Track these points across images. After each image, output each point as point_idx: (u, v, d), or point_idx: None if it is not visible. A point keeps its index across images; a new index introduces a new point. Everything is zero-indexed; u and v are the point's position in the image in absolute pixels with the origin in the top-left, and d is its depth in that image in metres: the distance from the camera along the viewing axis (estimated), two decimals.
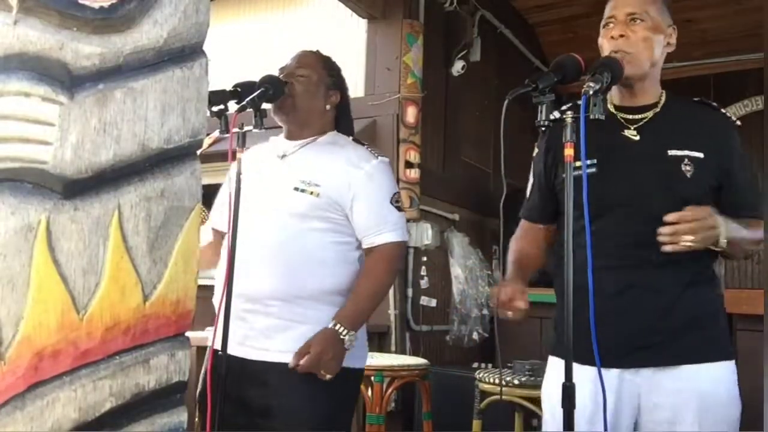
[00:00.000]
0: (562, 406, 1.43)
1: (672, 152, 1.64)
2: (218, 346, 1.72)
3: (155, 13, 1.12)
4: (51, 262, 1.02)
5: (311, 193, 1.88)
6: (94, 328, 1.04)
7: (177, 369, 1.14)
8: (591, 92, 1.49)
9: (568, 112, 1.51)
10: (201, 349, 2.33)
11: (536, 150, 1.89)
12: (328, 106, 2.05)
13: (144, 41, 1.11)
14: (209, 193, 2.12)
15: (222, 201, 2.09)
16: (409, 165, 3.94)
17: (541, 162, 1.85)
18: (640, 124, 1.70)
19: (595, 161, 1.67)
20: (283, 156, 2.00)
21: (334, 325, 1.81)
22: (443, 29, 4.48)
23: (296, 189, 1.89)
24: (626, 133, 1.70)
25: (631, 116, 1.71)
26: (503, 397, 2.92)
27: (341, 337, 1.79)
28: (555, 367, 1.73)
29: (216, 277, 1.95)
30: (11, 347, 1.00)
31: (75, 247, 1.04)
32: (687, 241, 1.50)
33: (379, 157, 2.00)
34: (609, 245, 1.63)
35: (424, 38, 4.09)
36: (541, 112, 1.52)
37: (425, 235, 4.02)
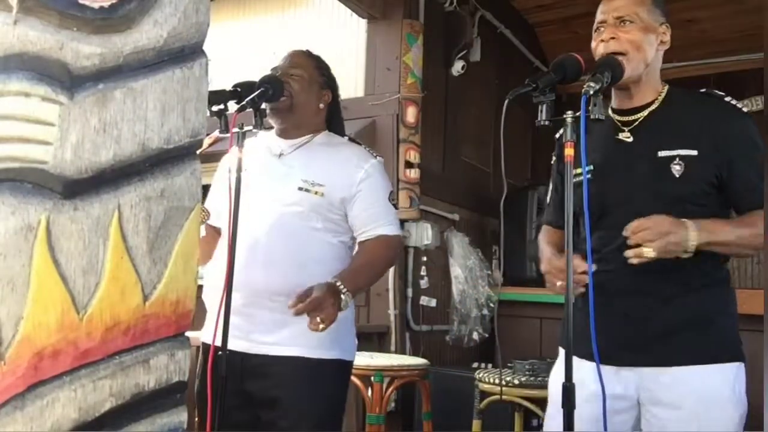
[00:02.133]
0: (562, 406, 1.44)
1: (662, 153, 1.64)
2: (218, 343, 1.72)
3: (155, 13, 1.12)
4: (51, 262, 1.02)
5: (315, 193, 1.92)
6: (94, 328, 1.04)
7: (177, 369, 1.14)
8: (591, 92, 1.50)
9: (568, 112, 1.51)
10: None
11: (553, 158, 1.92)
12: (321, 105, 2.08)
13: (144, 41, 1.11)
14: (209, 193, 2.13)
15: (214, 197, 2.10)
16: (409, 165, 3.93)
17: (555, 169, 1.90)
18: (634, 125, 1.70)
19: (591, 167, 1.69)
20: (280, 155, 2.01)
21: (335, 281, 1.81)
22: (443, 29, 4.47)
23: (300, 189, 1.92)
24: (621, 135, 1.70)
25: (626, 118, 1.72)
26: (503, 397, 2.92)
27: (341, 292, 1.79)
28: (562, 360, 1.75)
29: (206, 274, 1.96)
30: (11, 347, 1.00)
31: (75, 247, 1.04)
32: (647, 251, 1.50)
33: (377, 157, 2.06)
34: (607, 248, 1.66)
35: (424, 38, 4.08)
36: (541, 112, 1.52)
37: (425, 235, 4.02)
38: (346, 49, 4.21)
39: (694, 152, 1.62)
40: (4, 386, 1.00)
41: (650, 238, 1.51)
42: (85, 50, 1.06)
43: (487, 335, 4.30)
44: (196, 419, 1.99)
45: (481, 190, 4.87)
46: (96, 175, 1.06)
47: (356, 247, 2.03)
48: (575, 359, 1.67)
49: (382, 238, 1.96)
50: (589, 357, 1.50)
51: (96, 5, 1.07)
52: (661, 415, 1.59)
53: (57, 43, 1.05)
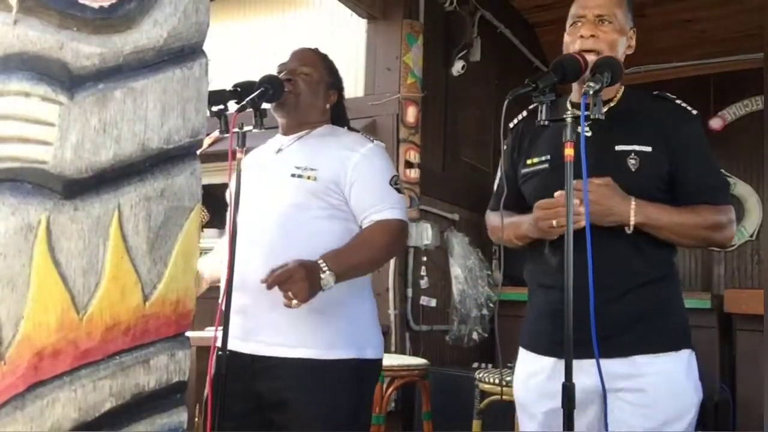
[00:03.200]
0: (562, 406, 1.44)
1: (619, 147, 1.67)
2: (220, 344, 1.71)
3: (155, 13, 1.12)
4: (51, 262, 1.02)
5: (308, 177, 1.86)
6: (94, 328, 1.04)
7: (177, 369, 1.14)
8: (591, 92, 1.50)
9: (568, 111, 1.52)
10: (201, 349, 2.33)
11: (504, 147, 1.93)
12: (327, 105, 2.06)
13: (144, 41, 1.11)
14: (209, 193, 2.13)
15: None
16: (409, 165, 3.94)
17: (509, 159, 1.90)
18: (593, 120, 1.72)
19: (548, 157, 1.75)
20: (279, 150, 2.00)
21: (318, 259, 1.75)
22: (443, 29, 4.47)
23: (293, 176, 1.88)
24: (579, 129, 1.71)
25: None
26: (503, 397, 2.92)
27: (320, 270, 1.72)
28: (523, 360, 1.81)
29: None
30: (11, 347, 1.00)
31: (75, 247, 1.04)
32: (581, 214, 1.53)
33: (375, 141, 2.00)
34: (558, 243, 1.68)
35: (424, 38, 4.09)
36: (541, 112, 1.53)
37: (425, 235, 4.02)
38: (346, 49, 4.21)
39: (648, 148, 1.66)
40: (4, 386, 1.00)
41: (595, 200, 1.56)
42: (85, 50, 1.06)
43: (487, 335, 4.30)
44: (196, 419, 1.98)
45: (481, 190, 4.87)
46: (96, 175, 1.06)
47: None
48: (530, 354, 1.78)
49: (382, 221, 1.87)
50: (545, 352, 1.65)
51: (96, 5, 1.07)
52: (625, 406, 1.61)
53: (57, 43, 1.05)
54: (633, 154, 1.66)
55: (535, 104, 1.54)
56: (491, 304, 4.30)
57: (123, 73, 1.09)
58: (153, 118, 1.11)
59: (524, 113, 1.87)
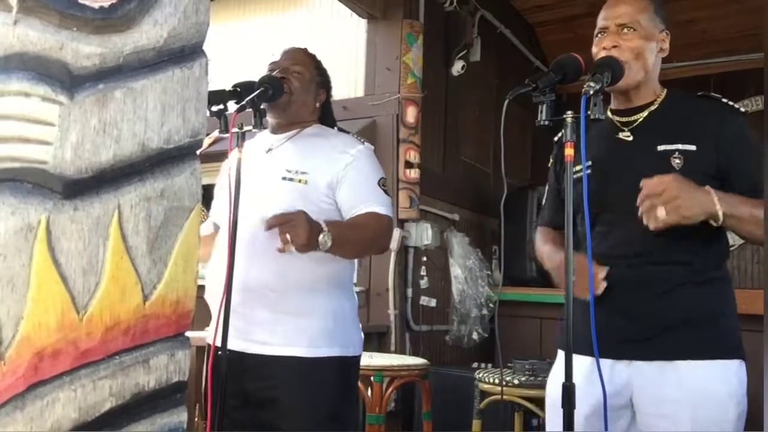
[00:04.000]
0: (562, 406, 1.44)
1: (662, 147, 1.65)
2: (219, 343, 1.72)
3: (155, 13, 1.12)
4: (51, 262, 1.02)
5: (299, 181, 1.89)
6: (94, 328, 1.04)
7: (177, 369, 1.14)
8: (591, 92, 1.50)
9: (568, 112, 1.52)
10: (201, 349, 2.33)
11: (551, 160, 1.94)
12: (317, 104, 2.08)
13: (144, 41, 1.11)
14: (209, 193, 2.13)
15: (217, 198, 2.09)
16: (409, 165, 3.93)
17: (553, 171, 1.91)
18: (634, 125, 1.72)
19: (590, 163, 1.71)
20: (269, 150, 2.01)
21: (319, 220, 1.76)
22: (443, 29, 4.47)
23: (284, 179, 1.89)
24: (620, 135, 1.72)
25: (626, 118, 1.74)
26: (503, 397, 2.92)
27: (320, 227, 1.72)
28: (560, 361, 1.76)
29: (207, 275, 1.95)
30: (11, 347, 1.00)
31: (75, 247, 1.04)
32: (660, 216, 1.48)
33: (365, 143, 2.02)
34: (606, 244, 1.67)
35: (424, 38, 4.08)
36: (541, 112, 1.53)
37: (425, 235, 4.02)
38: (346, 49, 4.21)
39: (693, 147, 1.64)
40: (4, 386, 1.00)
41: (664, 200, 1.49)
42: (85, 50, 1.06)
43: (486, 335, 4.30)
44: (196, 419, 1.99)
45: (481, 190, 4.88)
46: (96, 175, 1.06)
47: None
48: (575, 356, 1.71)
49: (372, 213, 1.89)
50: (585, 352, 1.54)
51: (96, 5, 1.07)
52: (657, 411, 1.59)
53: (57, 43, 1.05)
54: (677, 153, 1.64)
55: (576, 116, 1.50)
56: (491, 304, 4.30)
57: (123, 73, 1.09)
58: (153, 118, 1.11)
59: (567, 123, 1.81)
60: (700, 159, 1.63)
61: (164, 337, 1.13)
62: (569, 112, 1.52)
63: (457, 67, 4.44)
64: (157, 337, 1.12)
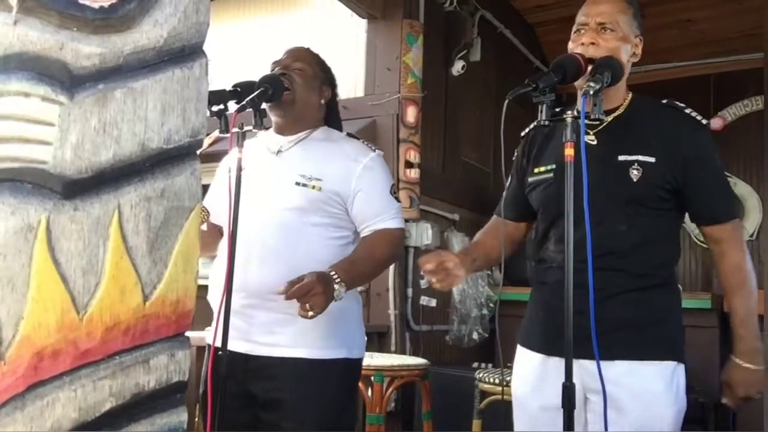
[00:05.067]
0: (562, 406, 1.44)
1: (622, 157, 1.67)
2: (219, 344, 1.72)
3: (155, 13, 1.12)
4: (51, 262, 1.02)
5: (313, 187, 1.90)
6: (94, 328, 1.04)
7: (177, 369, 1.14)
8: (591, 92, 1.50)
9: (568, 112, 1.52)
10: (201, 349, 2.33)
11: (515, 154, 1.98)
12: (322, 101, 2.07)
13: (144, 41, 1.11)
14: (207, 194, 2.13)
15: (212, 197, 2.09)
16: (409, 165, 3.94)
17: (518, 165, 1.94)
18: (599, 128, 1.73)
19: (554, 166, 1.76)
20: (278, 152, 2.00)
21: (329, 271, 1.80)
22: (443, 29, 4.47)
23: (297, 184, 1.90)
24: (585, 138, 1.72)
25: (591, 122, 1.73)
26: (503, 397, 2.92)
27: (334, 282, 1.77)
28: (522, 358, 1.82)
29: (211, 275, 1.95)
30: (11, 347, 1.00)
31: (75, 247, 1.04)
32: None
33: (376, 150, 2.04)
34: (560, 247, 1.70)
35: (424, 38, 4.09)
36: (541, 112, 1.53)
37: (425, 235, 4.02)
38: (346, 49, 4.21)
39: (652, 159, 1.66)
40: (4, 386, 1.00)
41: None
42: (85, 50, 1.06)
43: (487, 335, 4.30)
44: (196, 419, 1.99)
45: (481, 190, 4.88)
46: (96, 175, 1.06)
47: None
48: (525, 351, 1.81)
49: (384, 231, 1.94)
50: (537, 349, 1.72)
51: (96, 5, 1.07)
52: (596, 406, 1.62)
53: (57, 43, 1.05)
54: (636, 164, 1.66)
55: (576, 116, 1.53)
56: (491, 304, 4.30)
57: (123, 73, 1.09)
58: (153, 118, 1.11)
59: (536, 122, 1.88)
60: (658, 172, 1.66)
61: (164, 337, 1.13)
62: (569, 112, 1.52)
63: (457, 67, 4.44)
64: (157, 337, 1.12)
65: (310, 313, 1.71)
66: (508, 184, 1.97)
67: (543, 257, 1.81)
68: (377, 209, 1.95)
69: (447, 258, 1.74)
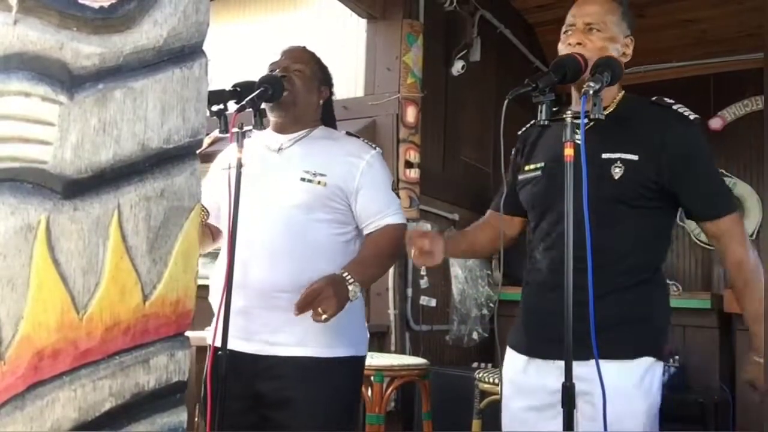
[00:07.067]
0: (562, 406, 1.44)
1: (605, 155, 1.67)
2: (219, 344, 1.72)
3: (155, 13, 1.12)
4: (51, 262, 1.02)
5: (318, 183, 1.92)
6: (94, 328, 1.04)
7: (177, 369, 1.14)
8: (591, 92, 1.50)
9: (568, 111, 1.52)
10: (201, 349, 2.33)
11: (513, 153, 1.99)
12: (320, 101, 2.08)
13: (144, 41, 1.11)
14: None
15: (209, 193, 2.09)
16: (409, 165, 3.94)
17: (514, 163, 1.96)
18: (587, 127, 1.72)
19: (543, 164, 1.78)
20: (279, 149, 2.01)
21: (342, 272, 1.81)
22: (443, 29, 4.48)
23: (303, 179, 1.92)
24: (575, 137, 1.72)
25: (579, 121, 1.73)
26: None
27: (347, 283, 1.79)
28: (509, 360, 1.82)
29: (212, 275, 1.95)
30: (11, 347, 1.00)
31: (75, 247, 1.04)
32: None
33: (376, 148, 2.07)
34: (545, 244, 1.74)
35: (424, 38, 4.09)
36: (541, 111, 1.53)
37: None
38: (346, 49, 4.21)
39: (635, 157, 1.65)
40: (4, 386, 1.00)
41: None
42: (85, 50, 1.06)
43: (487, 335, 4.30)
44: (196, 419, 1.99)
45: (481, 190, 4.87)
46: (96, 175, 1.06)
47: (361, 239, 2.03)
48: (512, 352, 1.82)
49: (388, 228, 1.97)
50: (521, 351, 1.74)
51: (96, 5, 1.07)
52: (582, 407, 1.61)
53: (57, 43, 1.05)
54: (618, 162, 1.65)
55: (576, 116, 1.53)
56: (491, 304, 4.30)
57: (123, 73, 1.09)
58: (153, 118, 1.11)
59: (533, 121, 1.87)
60: (640, 169, 1.65)
61: (164, 337, 1.13)
62: (569, 112, 1.52)
63: (457, 67, 4.44)
64: (157, 337, 1.12)
65: (324, 317, 1.72)
66: (503, 183, 1.99)
67: (532, 256, 1.82)
68: (381, 206, 1.98)
69: (427, 240, 1.79)
